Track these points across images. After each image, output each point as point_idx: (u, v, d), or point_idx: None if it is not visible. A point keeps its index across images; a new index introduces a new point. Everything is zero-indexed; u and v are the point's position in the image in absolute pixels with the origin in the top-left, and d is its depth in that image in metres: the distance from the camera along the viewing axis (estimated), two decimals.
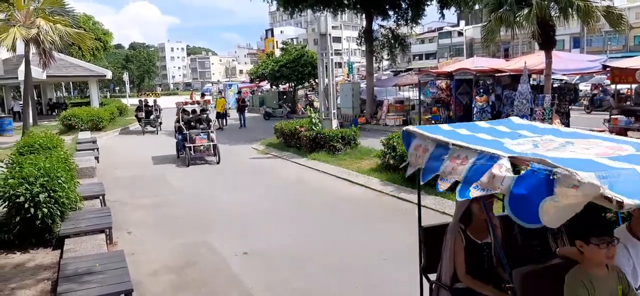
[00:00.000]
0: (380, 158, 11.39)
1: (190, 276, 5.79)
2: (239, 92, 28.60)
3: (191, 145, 13.58)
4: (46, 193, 6.17)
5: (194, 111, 15.47)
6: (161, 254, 6.55)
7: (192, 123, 14.62)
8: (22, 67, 20.21)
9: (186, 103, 16.12)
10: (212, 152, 13.85)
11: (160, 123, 22.15)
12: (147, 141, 19.59)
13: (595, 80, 28.38)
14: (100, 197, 8.59)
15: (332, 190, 10.22)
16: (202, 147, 13.72)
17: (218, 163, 13.57)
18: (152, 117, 22.07)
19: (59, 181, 6.50)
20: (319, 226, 7.59)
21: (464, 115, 17.10)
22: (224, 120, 24.45)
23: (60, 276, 4.72)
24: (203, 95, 28.29)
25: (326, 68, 14.69)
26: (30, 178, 6.23)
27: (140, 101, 23.74)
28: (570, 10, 12.98)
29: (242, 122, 24.77)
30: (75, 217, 6.86)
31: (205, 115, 15.04)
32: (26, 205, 5.99)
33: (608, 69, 14.73)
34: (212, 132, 14.34)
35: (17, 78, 24.08)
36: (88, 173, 10.75)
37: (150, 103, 23.31)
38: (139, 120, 22.47)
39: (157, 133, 21.32)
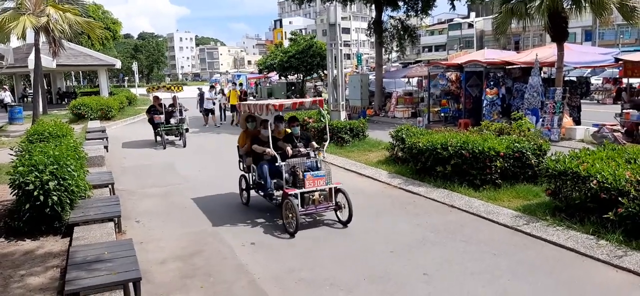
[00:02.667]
0: (389, 151, 11.35)
1: (197, 265, 5.81)
2: (240, 84, 26.22)
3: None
4: (56, 181, 6.21)
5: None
6: (169, 242, 6.58)
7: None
8: (32, 56, 20.36)
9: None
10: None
11: (187, 130, 15.81)
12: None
13: (607, 74, 28.12)
14: (110, 186, 8.63)
15: (340, 181, 10.17)
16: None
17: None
18: (174, 121, 15.47)
19: (69, 169, 6.52)
20: (327, 217, 7.57)
21: (474, 107, 16.96)
22: (237, 113, 22.46)
23: (69, 264, 4.75)
24: (212, 86, 25.74)
25: (335, 59, 14.63)
26: (39, 165, 6.26)
27: (156, 98, 16.26)
28: (583, 2, 12.80)
29: (237, 117, 22.33)
30: (84, 205, 6.90)
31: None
32: (36, 193, 6.03)
33: (620, 62, 14.52)
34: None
35: (27, 66, 24.32)
36: (97, 162, 10.82)
37: (167, 99, 16.48)
38: (155, 127, 15.65)
39: (185, 146, 15.03)
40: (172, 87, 17.03)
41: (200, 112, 21.91)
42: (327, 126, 8.07)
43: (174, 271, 5.65)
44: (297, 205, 6.60)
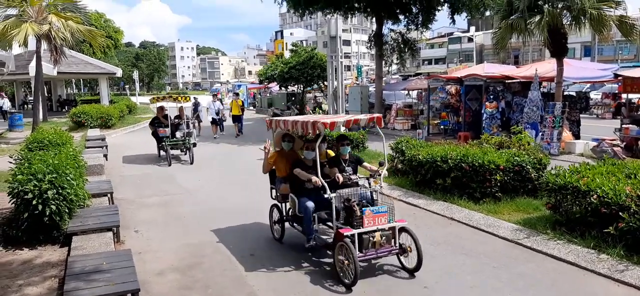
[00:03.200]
0: (388, 162, 11.32)
1: (196, 276, 5.78)
2: (236, 94, 24.53)
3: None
4: (54, 190, 6.18)
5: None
6: (168, 253, 6.55)
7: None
8: (33, 63, 20.36)
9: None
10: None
11: (195, 144, 14.42)
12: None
13: (606, 89, 28.21)
14: (109, 195, 8.61)
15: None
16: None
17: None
18: (180, 134, 14.20)
19: (68, 178, 6.50)
20: None
21: (473, 121, 16.99)
22: (240, 124, 20.98)
23: (68, 274, 4.72)
24: (214, 95, 24.49)
25: (335, 71, 14.70)
26: (38, 174, 6.23)
27: (160, 109, 14.94)
28: (582, 18, 12.88)
29: (239, 129, 20.95)
30: (83, 215, 6.88)
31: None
32: (34, 202, 6.00)
33: (619, 78, 14.58)
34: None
35: (28, 73, 24.32)
36: (96, 171, 10.80)
37: (171, 110, 15.32)
38: (160, 140, 14.30)
39: (192, 162, 13.74)
40: (179, 97, 15.49)
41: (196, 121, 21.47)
42: (385, 147, 6.53)
43: (173, 282, 5.61)
44: (355, 248, 5.28)
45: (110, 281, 4.47)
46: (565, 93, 16.79)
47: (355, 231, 5.37)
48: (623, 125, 13.75)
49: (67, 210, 6.44)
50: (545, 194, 7.17)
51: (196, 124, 19.65)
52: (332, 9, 22.98)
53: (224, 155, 15.51)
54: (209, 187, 10.96)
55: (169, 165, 13.30)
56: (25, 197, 6.03)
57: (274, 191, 7.12)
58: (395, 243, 5.64)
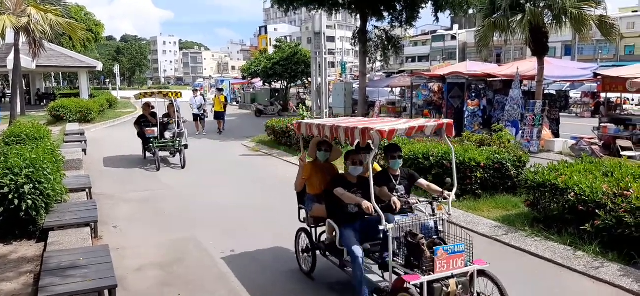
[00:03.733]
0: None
1: (176, 272, 5.72)
2: (220, 90, 23.59)
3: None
4: (31, 185, 6.06)
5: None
6: (147, 249, 6.47)
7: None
8: (11, 56, 19.95)
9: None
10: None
11: (186, 146, 12.92)
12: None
13: (585, 88, 28.75)
14: (87, 190, 8.47)
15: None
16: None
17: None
18: (169, 134, 12.87)
19: (45, 172, 6.39)
20: None
21: (456, 118, 17.09)
22: (222, 121, 20.36)
23: (43, 270, 4.64)
24: (195, 90, 23.64)
25: (320, 67, 14.68)
26: (15, 168, 6.11)
27: (147, 106, 13.56)
28: (563, 17, 13.09)
29: (221, 126, 20.32)
30: (60, 210, 6.75)
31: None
32: (10, 196, 5.88)
33: (599, 77, 14.86)
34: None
35: (5, 67, 23.78)
36: (75, 166, 10.61)
37: (159, 107, 13.70)
38: (146, 142, 12.93)
39: (184, 166, 12.31)
40: (170, 93, 13.41)
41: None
42: (453, 163, 4.93)
43: (152, 279, 5.55)
44: None
45: (86, 277, 4.40)
46: (546, 91, 17.03)
47: (424, 279, 3.87)
48: (601, 124, 14.02)
49: (43, 205, 6.32)
50: (524, 191, 7.27)
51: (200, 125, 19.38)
52: (316, 5, 22.94)
53: (206, 152, 15.38)
54: (191, 183, 10.87)
55: (158, 169, 11.95)
56: (1, 191, 5.91)
57: (302, 212, 5.74)
58: (472, 292, 4.11)
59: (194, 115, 19.71)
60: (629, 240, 5.44)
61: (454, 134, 4.73)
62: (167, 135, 12.76)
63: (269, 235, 7.02)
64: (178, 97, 13.65)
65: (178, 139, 12.66)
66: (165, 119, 13.28)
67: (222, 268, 5.83)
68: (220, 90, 23.39)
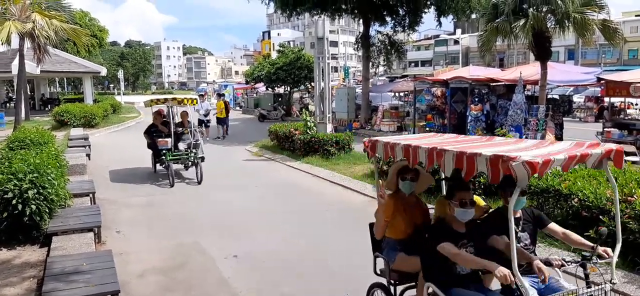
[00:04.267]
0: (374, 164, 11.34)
1: (179, 278, 5.72)
2: (222, 95, 23.06)
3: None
4: (35, 190, 6.10)
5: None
6: (150, 254, 6.48)
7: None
8: (16, 61, 20.04)
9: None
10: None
11: (202, 158, 11.33)
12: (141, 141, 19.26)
13: (588, 93, 28.66)
14: (90, 195, 8.50)
15: (325, 194, 10.18)
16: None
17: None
18: (183, 146, 11.51)
19: (49, 177, 6.42)
20: (311, 230, 7.54)
21: (459, 123, 17.13)
22: (225, 126, 20.29)
23: (47, 275, 4.65)
24: (201, 95, 23.18)
25: (322, 72, 14.69)
26: (19, 174, 6.14)
27: (159, 114, 12.22)
28: (566, 22, 13.07)
29: (224, 131, 20.16)
30: (64, 215, 6.78)
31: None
32: (14, 201, 5.91)
33: (602, 81, 14.81)
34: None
35: (10, 72, 23.93)
36: (79, 171, 10.65)
37: (173, 115, 11.90)
38: (158, 154, 11.62)
39: (200, 181, 10.95)
40: (185, 100, 11.85)
41: None
42: (617, 203, 3.46)
43: (154, 284, 5.55)
44: None
45: (89, 282, 4.41)
46: (549, 96, 17.00)
47: None
48: (605, 129, 13.97)
49: (47, 210, 6.35)
50: (527, 197, 7.23)
51: (204, 131, 18.39)
52: (319, 10, 23.00)
53: (209, 157, 15.34)
54: (193, 187, 10.87)
55: (171, 185, 10.66)
56: (5, 196, 5.94)
57: (380, 261, 4.29)
58: None
59: (199, 120, 19.51)
60: (633, 247, 5.41)
61: (623, 164, 3.32)
62: (181, 146, 11.44)
63: (272, 239, 7.01)
64: (194, 104, 12.72)
65: (193, 151, 11.31)
66: (180, 129, 11.92)
67: (225, 273, 5.83)
68: (221, 95, 23.36)
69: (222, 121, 20.09)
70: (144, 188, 10.70)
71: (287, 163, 13.69)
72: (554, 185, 6.44)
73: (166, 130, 11.68)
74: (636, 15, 55.66)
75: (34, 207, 6.05)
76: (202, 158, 11.25)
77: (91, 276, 4.54)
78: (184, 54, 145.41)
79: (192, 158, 11.19)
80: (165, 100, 11.98)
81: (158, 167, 12.03)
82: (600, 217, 5.67)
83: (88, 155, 12.89)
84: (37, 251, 6.05)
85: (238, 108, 41.12)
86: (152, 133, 11.86)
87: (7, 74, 25.82)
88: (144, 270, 5.91)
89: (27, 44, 17.68)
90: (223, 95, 23.47)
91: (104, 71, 33.27)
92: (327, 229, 7.65)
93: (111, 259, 5.01)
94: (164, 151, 11.26)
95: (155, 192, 10.42)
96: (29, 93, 30.82)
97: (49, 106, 33.91)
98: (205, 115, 19.18)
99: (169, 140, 11.35)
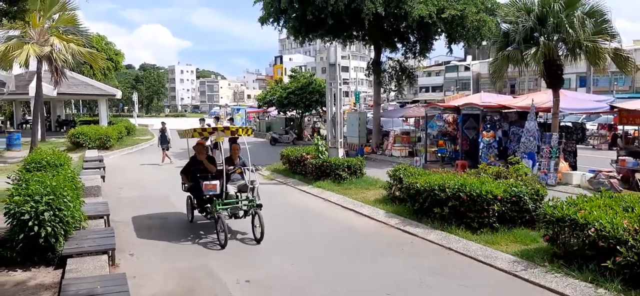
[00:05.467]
0: (386, 190, 11.33)
1: None
2: (231, 119, 22.07)
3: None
4: (51, 212, 6.16)
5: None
6: (163, 278, 6.49)
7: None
8: (33, 84, 20.50)
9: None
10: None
11: (260, 205, 8.50)
12: (154, 161, 19.47)
13: (601, 120, 28.44)
14: (105, 217, 8.56)
15: (337, 219, 10.15)
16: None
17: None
18: (234, 189, 8.80)
19: (65, 200, 6.49)
20: (323, 256, 7.51)
21: (471, 149, 17.06)
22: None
23: None
24: (217, 118, 22.67)
25: (334, 97, 14.79)
26: (35, 196, 6.22)
27: (202, 148, 9.42)
28: (578, 50, 13.06)
29: None
30: (78, 237, 6.82)
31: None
32: (30, 223, 5.98)
33: (615, 109, 14.72)
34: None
35: (27, 94, 24.44)
36: (93, 192, 10.76)
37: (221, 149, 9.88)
38: (203, 202, 8.79)
39: (261, 238, 8.18)
40: (240, 131, 9.37)
41: (161, 147, 19.19)
42: None
43: None
44: None
45: None
46: (562, 123, 16.90)
47: None
48: (619, 157, 13.83)
49: (62, 232, 6.40)
50: (543, 226, 7.15)
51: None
52: (331, 36, 23.28)
53: None
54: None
55: (223, 245, 7.84)
56: (22, 218, 6.01)
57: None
58: None
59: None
60: None
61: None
62: (231, 189, 8.64)
63: (283, 264, 6.98)
64: (249, 135, 9.68)
65: (249, 195, 8.57)
66: (230, 168, 8.97)
67: None
68: (232, 119, 23.19)
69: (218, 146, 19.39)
70: (156, 211, 10.60)
71: (298, 187, 13.70)
72: (569, 215, 6.37)
73: (214, 168, 9.12)
74: None
75: (49, 228, 6.10)
76: (260, 205, 8.37)
77: None
78: (197, 77, 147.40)
79: (249, 203, 8.42)
80: (214, 130, 9.17)
81: (196, 213, 9.39)
82: (618, 247, 5.59)
83: (103, 177, 13.03)
84: (51, 273, 6.09)
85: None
86: (193, 172, 9.24)
87: (24, 95, 26.35)
88: (156, 294, 5.92)
89: (45, 66, 18.09)
90: (232, 119, 23.25)
91: (119, 94, 33.83)
92: (339, 254, 7.60)
93: (125, 282, 5.03)
94: (211, 197, 8.43)
95: (167, 214, 10.39)
96: (45, 114, 31.31)
97: (64, 127, 34.44)
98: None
99: (217, 183, 8.43)
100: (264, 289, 6.13)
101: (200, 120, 20.58)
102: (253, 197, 8.52)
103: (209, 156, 9.74)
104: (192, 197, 9.37)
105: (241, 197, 8.77)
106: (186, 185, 9.46)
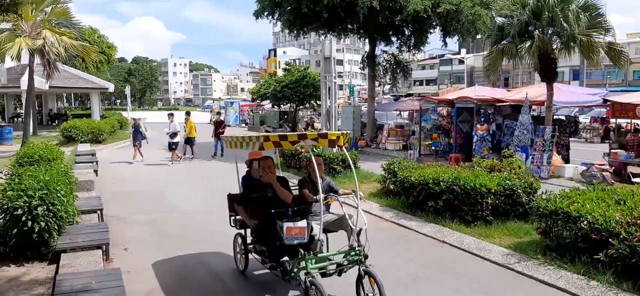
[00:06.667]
0: (380, 183, 11.36)
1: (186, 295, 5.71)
2: (218, 113, 22.02)
3: None
4: (45, 207, 6.11)
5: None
6: (157, 272, 6.48)
7: None
8: (25, 77, 20.32)
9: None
10: None
11: (366, 257, 5.36)
12: (147, 155, 19.39)
13: (594, 113, 28.64)
14: (98, 212, 8.52)
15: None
16: None
17: None
18: (317, 228, 5.23)
19: (58, 194, 6.44)
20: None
21: (465, 143, 17.13)
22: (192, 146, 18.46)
23: (56, 293, 4.65)
24: (218, 112, 21.96)
25: (329, 90, 14.78)
26: (29, 190, 6.17)
27: (268, 169, 6.17)
28: (572, 44, 13.13)
29: (220, 149, 19.06)
30: (72, 231, 6.79)
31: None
32: (24, 218, 5.93)
33: (608, 103, 14.82)
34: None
35: (19, 87, 24.22)
36: (86, 187, 10.69)
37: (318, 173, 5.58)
38: (276, 255, 5.29)
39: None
40: (340, 138, 5.83)
41: (134, 146, 17.81)
42: None
43: None
44: None
45: None
46: (555, 117, 17.00)
47: None
48: (612, 150, 13.94)
49: (56, 227, 6.35)
50: (536, 219, 7.21)
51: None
52: (326, 30, 23.23)
53: (213, 173, 15.45)
54: (200, 204, 10.89)
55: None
56: (15, 213, 5.96)
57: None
58: None
59: (168, 143, 17.91)
60: None
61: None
62: (315, 228, 5.31)
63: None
64: (348, 143, 7.57)
65: (352, 243, 5.52)
66: (317, 198, 5.63)
67: (232, 292, 5.81)
68: (218, 113, 23.00)
69: (190, 141, 18.24)
70: (150, 205, 10.57)
71: (292, 181, 13.66)
72: (562, 208, 6.42)
73: (286, 194, 6.00)
74: None
75: (43, 223, 6.05)
76: (366, 256, 5.34)
77: (100, 295, 4.55)
78: (191, 70, 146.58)
79: (349, 260, 5.39)
80: (303, 135, 5.82)
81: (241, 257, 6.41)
82: (610, 239, 5.64)
83: (95, 171, 12.95)
84: (45, 269, 6.06)
85: (244, 125, 41.29)
86: (255, 205, 5.97)
87: (16, 89, 26.11)
88: (151, 289, 5.91)
89: (37, 59, 17.91)
90: (219, 113, 22.79)
91: (111, 88, 33.60)
92: (332, 249, 7.61)
93: (120, 277, 5.02)
94: (297, 247, 5.15)
95: (162, 209, 10.33)
96: (37, 108, 31.08)
97: (56, 121, 34.19)
98: (172, 137, 17.53)
99: (304, 225, 5.17)
100: (260, 280, 6.13)
101: (168, 114, 18.45)
102: (360, 243, 5.43)
103: (281, 177, 6.49)
104: (244, 236, 6.28)
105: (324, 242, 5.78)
106: (244, 221, 6.21)
